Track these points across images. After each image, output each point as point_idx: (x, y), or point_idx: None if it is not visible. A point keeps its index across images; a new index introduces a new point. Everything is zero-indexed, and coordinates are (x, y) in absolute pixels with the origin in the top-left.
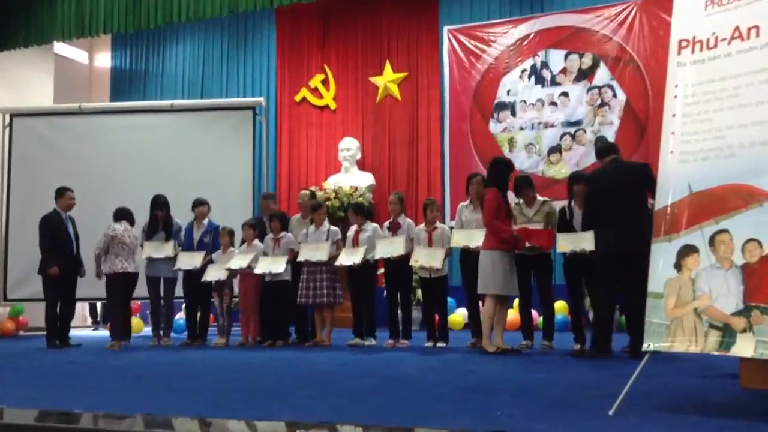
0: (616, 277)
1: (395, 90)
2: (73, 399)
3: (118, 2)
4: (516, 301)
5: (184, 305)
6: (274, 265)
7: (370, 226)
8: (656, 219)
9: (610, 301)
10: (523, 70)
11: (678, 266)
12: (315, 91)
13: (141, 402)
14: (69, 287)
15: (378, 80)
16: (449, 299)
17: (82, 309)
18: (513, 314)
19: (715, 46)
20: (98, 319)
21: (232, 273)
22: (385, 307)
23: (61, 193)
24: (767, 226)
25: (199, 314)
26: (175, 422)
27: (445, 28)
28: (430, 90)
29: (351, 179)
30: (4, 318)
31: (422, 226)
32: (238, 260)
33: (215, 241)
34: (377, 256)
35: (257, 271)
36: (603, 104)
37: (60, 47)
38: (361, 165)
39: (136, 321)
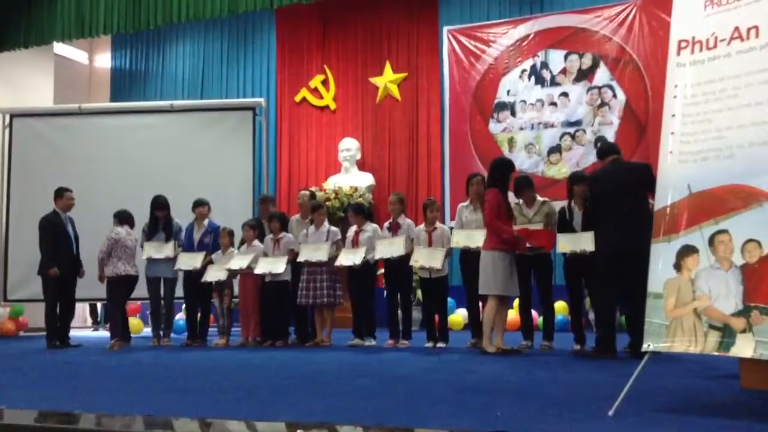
0: (617, 277)
1: (395, 90)
2: (73, 399)
3: (118, 3)
4: (516, 302)
5: (184, 306)
6: (274, 266)
7: (370, 227)
8: (656, 219)
9: (612, 301)
10: (523, 71)
11: (678, 266)
12: (315, 91)
13: (141, 402)
14: (69, 288)
15: (378, 80)
16: (449, 299)
17: (82, 310)
18: (513, 314)
19: (715, 46)
20: (98, 319)
21: (232, 273)
22: (385, 308)
23: (61, 193)
24: (767, 226)
25: (199, 315)
26: (175, 423)
27: (445, 29)
28: (430, 90)
29: (351, 179)
30: (4, 318)
31: (422, 226)
32: (238, 261)
33: (215, 241)
34: (377, 257)
35: (257, 271)
36: (603, 104)
37: (60, 48)
38: (361, 165)
39: (136, 321)
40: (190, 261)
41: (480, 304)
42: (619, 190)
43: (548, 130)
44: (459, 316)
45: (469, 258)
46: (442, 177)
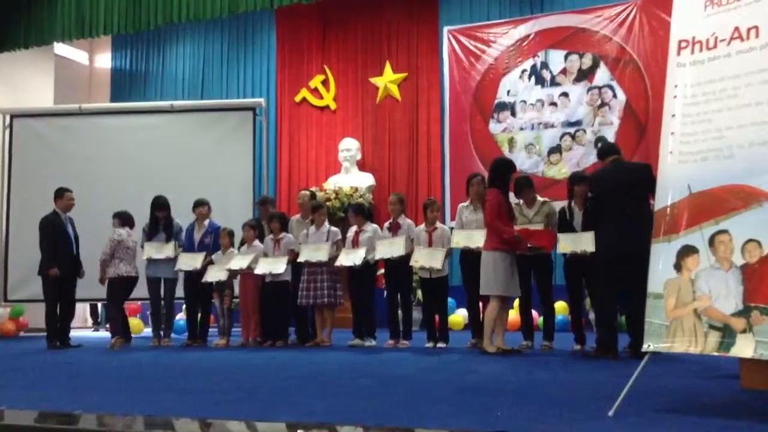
0: (618, 277)
1: (395, 90)
2: (73, 400)
3: (118, 3)
4: (516, 302)
5: (184, 306)
6: (275, 266)
7: (371, 227)
8: (656, 220)
9: (612, 301)
10: (523, 71)
11: (678, 267)
12: (315, 91)
13: (141, 403)
14: (69, 288)
15: (378, 81)
16: (449, 300)
17: (83, 310)
18: (513, 315)
19: (715, 46)
20: (99, 320)
21: (233, 274)
22: (385, 308)
23: (60, 193)
24: (767, 226)
25: (199, 315)
26: (175, 423)
27: (445, 29)
28: (430, 90)
29: (351, 180)
30: (5, 319)
31: (422, 226)
32: (239, 261)
33: (216, 242)
34: (377, 257)
35: (257, 271)
36: (603, 104)
37: (60, 48)
38: (361, 165)
39: (136, 322)
40: (191, 261)
41: (480, 304)
42: (619, 190)
43: (548, 131)
44: (459, 316)
45: (469, 258)
46: (442, 177)
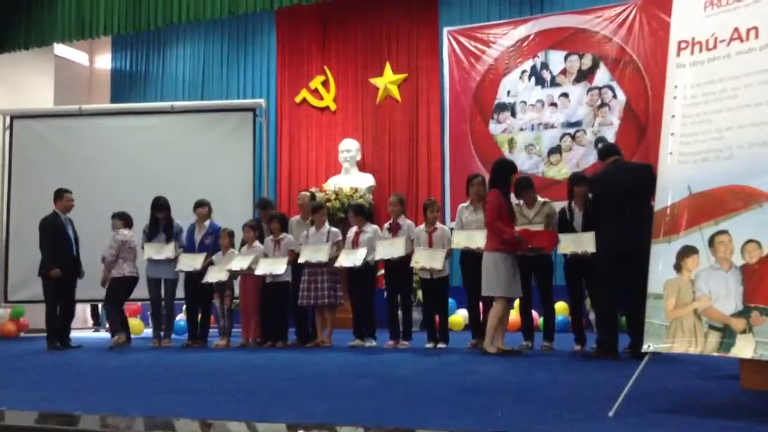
0: (618, 277)
1: (395, 91)
2: (73, 400)
3: (118, 4)
4: (516, 302)
5: (184, 307)
6: (275, 267)
7: (371, 228)
8: (656, 220)
9: (612, 301)
10: (523, 71)
11: (678, 267)
12: (315, 92)
13: (141, 403)
14: (69, 289)
15: (378, 81)
16: (450, 300)
17: (83, 311)
18: (513, 315)
19: (715, 47)
20: (99, 321)
21: (233, 274)
22: (385, 308)
23: (60, 194)
24: (766, 227)
25: (199, 316)
26: (175, 423)
27: (445, 29)
28: (430, 91)
29: (351, 180)
30: (5, 320)
31: (422, 226)
32: (239, 261)
33: (216, 242)
34: (377, 258)
35: (258, 272)
36: (603, 105)
37: (60, 49)
38: (361, 166)
39: (136, 322)
40: (191, 262)
41: (480, 304)
42: (620, 191)
43: (548, 131)
44: (459, 316)
45: (469, 259)
46: (443, 178)
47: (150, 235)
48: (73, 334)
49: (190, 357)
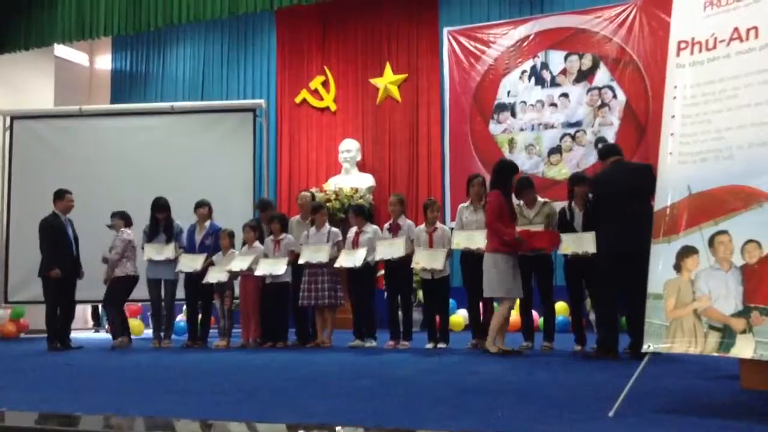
0: (618, 278)
1: (395, 91)
2: (73, 401)
3: (118, 5)
4: (516, 302)
5: (184, 307)
6: (275, 267)
7: (371, 228)
8: (656, 220)
9: (613, 301)
10: (523, 71)
11: (677, 267)
12: (315, 92)
13: (142, 404)
14: (69, 290)
15: (378, 82)
16: (450, 300)
17: (83, 311)
18: (514, 315)
19: (714, 47)
20: (100, 321)
21: (233, 275)
22: (385, 309)
23: (61, 195)
24: (766, 227)
25: (200, 316)
26: (176, 424)
27: (445, 30)
28: (430, 91)
29: (351, 181)
30: (5, 320)
31: (422, 226)
32: (239, 262)
33: (217, 243)
34: (377, 258)
35: (258, 272)
36: (603, 105)
37: (60, 50)
38: (362, 166)
39: (137, 323)
40: (191, 263)
41: (480, 305)
42: (621, 191)
43: (548, 131)
44: (459, 317)
45: (469, 259)
46: (443, 178)
47: (150, 235)
48: (74, 334)
49: (190, 357)
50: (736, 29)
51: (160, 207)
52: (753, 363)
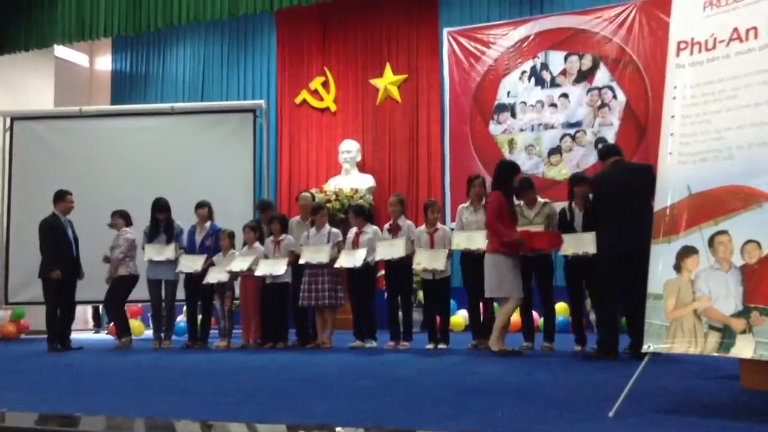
0: (619, 278)
1: (395, 92)
2: (73, 402)
3: (118, 5)
4: None
5: (185, 308)
6: (275, 268)
7: (371, 229)
8: (655, 220)
9: (613, 302)
10: (523, 72)
11: (677, 267)
12: (315, 93)
13: (142, 405)
14: (69, 290)
15: (378, 82)
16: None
17: (83, 312)
18: (514, 316)
19: (714, 47)
20: (100, 322)
21: (233, 275)
22: (385, 309)
23: (62, 196)
24: (766, 227)
25: (200, 317)
26: (176, 425)
27: (445, 30)
28: (430, 92)
29: (351, 181)
30: (6, 321)
31: (423, 227)
32: (239, 262)
33: (217, 243)
34: (377, 258)
35: (258, 273)
36: (603, 105)
37: (60, 50)
38: (362, 167)
39: (137, 324)
40: (192, 264)
41: (481, 305)
42: (621, 191)
43: (548, 132)
44: (460, 317)
45: (469, 259)
46: (443, 178)
47: (150, 236)
48: (74, 335)
49: (190, 358)
50: (735, 29)
51: (161, 207)
52: (753, 363)
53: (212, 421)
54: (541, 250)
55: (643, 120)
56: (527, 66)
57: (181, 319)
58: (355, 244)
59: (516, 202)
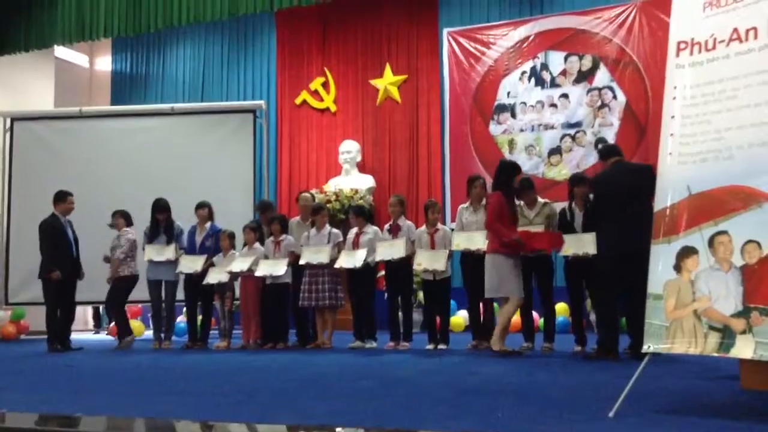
0: (619, 278)
1: (395, 92)
2: (74, 402)
3: (118, 6)
4: None
5: (185, 308)
6: (275, 268)
7: (371, 229)
8: (655, 221)
9: (614, 302)
10: (523, 72)
11: (677, 268)
12: (315, 93)
13: (142, 405)
14: (69, 291)
15: (378, 83)
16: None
17: (83, 312)
18: (514, 316)
19: (714, 47)
20: (100, 322)
21: (234, 276)
22: (385, 310)
23: (62, 197)
24: (766, 227)
25: (200, 317)
26: (176, 425)
27: (445, 31)
28: (430, 92)
29: (351, 181)
30: (6, 322)
31: (424, 228)
32: (239, 263)
33: (218, 244)
34: (378, 259)
35: (258, 273)
36: (603, 106)
37: (61, 51)
38: (362, 167)
39: (137, 324)
40: (192, 264)
41: (481, 306)
42: (621, 192)
43: (548, 132)
44: (460, 318)
45: (469, 260)
46: (443, 178)
47: (151, 236)
48: (74, 336)
49: (190, 359)
50: (735, 30)
51: (161, 208)
52: (753, 363)
53: (212, 422)
54: (541, 250)
55: (643, 120)
56: (527, 66)
57: (181, 320)
58: (356, 245)
59: (516, 202)
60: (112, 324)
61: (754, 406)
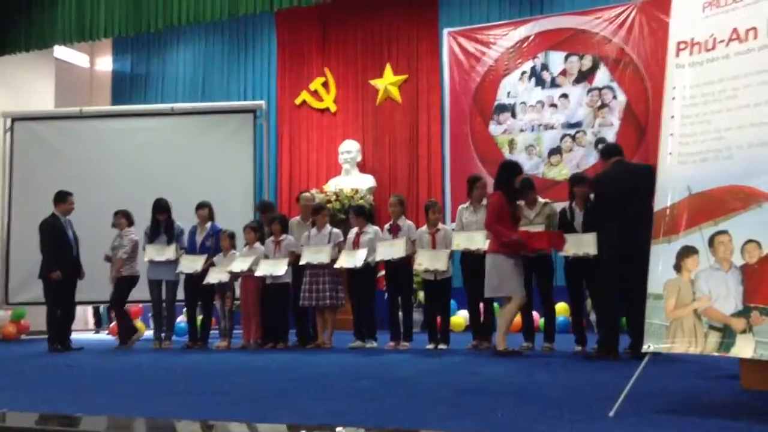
0: (620, 278)
1: (395, 92)
2: (74, 402)
3: (118, 6)
4: None
5: (185, 308)
6: (275, 268)
7: (371, 229)
8: (655, 220)
9: (614, 302)
10: (523, 72)
11: (677, 267)
12: (315, 93)
13: (142, 405)
14: (69, 291)
15: (378, 83)
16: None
17: (84, 312)
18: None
19: (714, 47)
20: (101, 322)
21: (234, 275)
22: (385, 310)
23: (63, 197)
24: (766, 226)
25: (200, 317)
26: (176, 425)
27: (445, 31)
28: (430, 92)
29: (351, 181)
30: (6, 322)
31: (424, 228)
32: (240, 263)
33: (218, 244)
34: (378, 259)
35: (258, 273)
36: (603, 106)
37: (61, 51)
38: (362, 167)
39: (138, 324)
40: (192, 264)
41: (481, 306)
42: (622, 191)
43: (548, 132)
44: (460, 318)
45: (469, 260)
46: (443, 178)
47: (151, 236)
48: (74, 336)
49: (190, 358)
50: (735, 30)
51: (161, 208)
52: (753, 363)
53: (212, 421)
54: (542, 250)
55: (643, 120)
56: (527, 66)
57: (181, 320)
58: (356, 245)
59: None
60: (113, 323)
61: (754, 406)
